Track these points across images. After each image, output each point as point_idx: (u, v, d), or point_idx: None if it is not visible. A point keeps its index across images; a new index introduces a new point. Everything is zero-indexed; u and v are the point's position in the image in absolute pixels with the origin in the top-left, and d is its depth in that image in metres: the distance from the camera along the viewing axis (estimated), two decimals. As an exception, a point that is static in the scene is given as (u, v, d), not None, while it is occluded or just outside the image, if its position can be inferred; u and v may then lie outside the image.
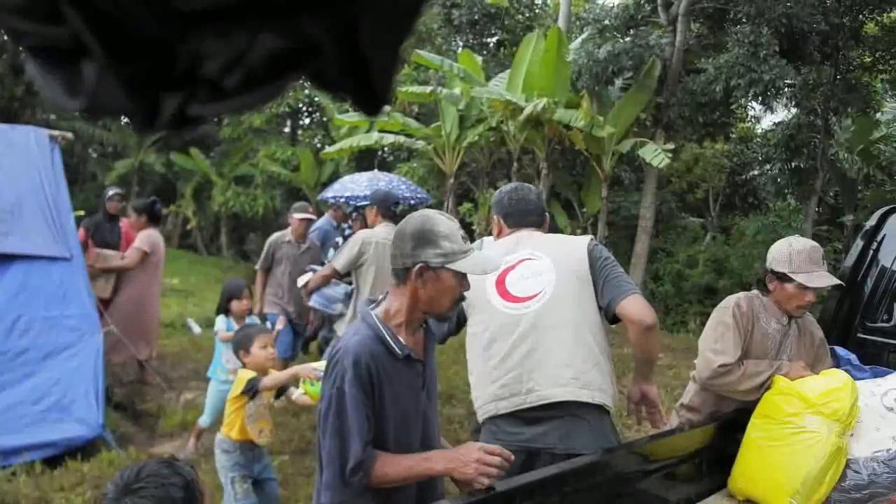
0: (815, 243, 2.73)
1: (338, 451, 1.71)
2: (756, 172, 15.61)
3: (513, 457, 1.79)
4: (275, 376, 3.18)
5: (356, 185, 8.29)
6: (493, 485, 1.71)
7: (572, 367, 2.27)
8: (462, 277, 1.82)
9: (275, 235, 5.95)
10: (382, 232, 4.57)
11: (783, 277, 2.64)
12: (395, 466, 1.73)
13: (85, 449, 4.39)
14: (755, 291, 2.83)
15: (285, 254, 5.75)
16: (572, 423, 2.25)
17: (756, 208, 15.79)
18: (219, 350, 4.45)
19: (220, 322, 4.43)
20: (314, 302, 4.81)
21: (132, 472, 1.50)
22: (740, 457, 2.45)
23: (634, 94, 10.98)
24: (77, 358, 4.70)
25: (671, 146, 10.56)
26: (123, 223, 6.72)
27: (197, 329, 8.93)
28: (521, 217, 2.61)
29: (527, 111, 9.76)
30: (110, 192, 6.87)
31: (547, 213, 2.73)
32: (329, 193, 8.34)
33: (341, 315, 4.86)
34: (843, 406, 2.23)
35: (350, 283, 4.75)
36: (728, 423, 2.56)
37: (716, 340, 2.63)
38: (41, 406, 4.38)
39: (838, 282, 2.74)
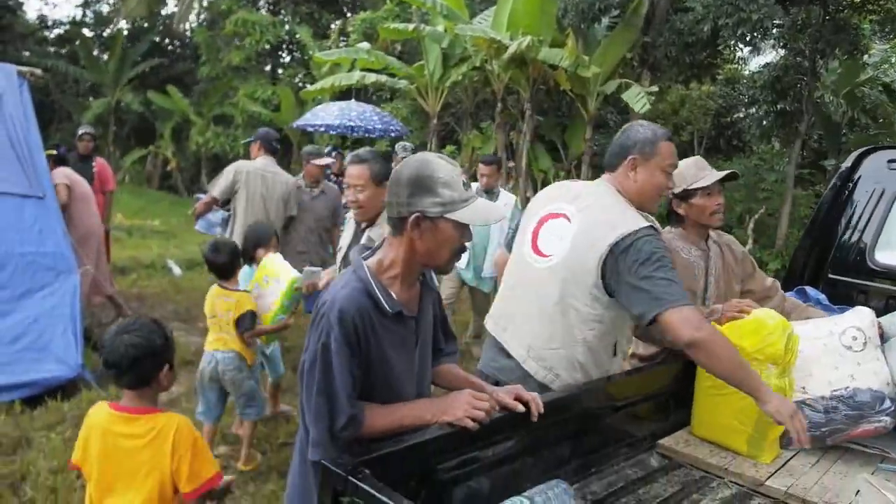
0: (696, 157, 2.87)
1: (326, 409, 1.64)
2: (741, 115, 15.53)
3: (497, 407, 1.77)
4: (266, 328, 3.70)
5: (327, 113, 8.19)
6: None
7: (536, 338, 2.32)
8: (463, 228, 1.69)
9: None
10: (259, 163, 5.10)
11: (686, 195, 2.72)
12: (385, 418, 1.69)
13: (65, 388, 4.42)
14: (667, 227, 2.84)
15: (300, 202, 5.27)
16: (526, 381, 2.27)
17: (741, 151, 15.77)
18: None
19: (246, 275, 3.89)
20: (199, 227, 5.39)
21: (130, 321, 2.10)
22: (695, 405, 2.49)
23: (621, 33, 10.80)
24: (54, 297, 4.68)
25: (655, 88, 10.44)
26: (97, 162, 6.61)
27: (178, 270, 8.91)
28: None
29: (511, 50, 9.58)
30: (80, 132, 6.75)
31: (630, 157, 2.34)
32: (301, 122, 8.30)
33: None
34: (778, 348, 2.24)
35: (228, 210, 5.11)
36: (691, 363, 2.59)
37: None
38: (18, 346, 4.38)
39: (730, 171, 2.79)
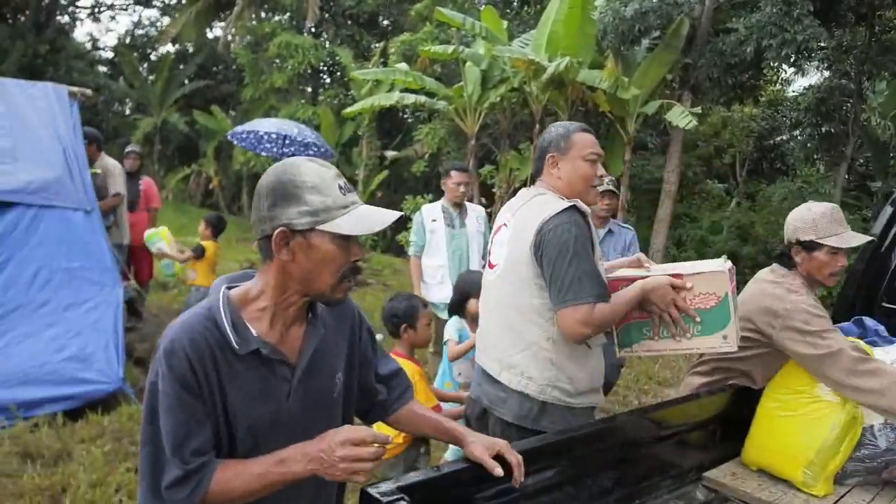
0: (833, 204, 2.55)
1: (150, 464, 1.36)
2: (785, 137, 15.27)
3: (390, 438, 1.38)
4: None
5: (261, 125, 8.57)
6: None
7: (498, 349, 2.30)
8: (346, 242, 1.36)
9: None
10: (110, 161, 6.28)
11: (811, 246, 2.45)
12: (241, 476, 1.33)
13: (105, 402, 4.46)
14: (774, 265, 2.61)
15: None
16: (507, 394, 2.25)
17: (784, 174, 15.49)
18: (445, 360, 3.65)
19: (453, 326, 3.59)
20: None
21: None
22: (754, 427, 2.41)
23: (661, 55, 10.71)
24: (97, 311, 4.74)
25: (698, 109, 10.32)
26: (143, 181, 6.76)
27: (217, 288, 9.00)
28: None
29: (549, 71, 9.56)
30: (127, 150, 6.93)
31: (548, 156, 2.34)
32: (238, 128, 8.65)
33: None
34: None
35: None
36: (742, 391, 2.51)
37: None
38: (61, 357, 4.43)
39: (869, 237, 2.57)
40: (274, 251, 1.34)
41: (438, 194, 5.30)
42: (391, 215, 1.40)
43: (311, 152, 8.04)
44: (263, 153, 8.60)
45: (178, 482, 1.31)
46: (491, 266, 2.39)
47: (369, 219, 1.37)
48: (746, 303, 2.47)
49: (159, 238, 5.83)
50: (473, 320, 3.53)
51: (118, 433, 4.16)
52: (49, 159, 5.06)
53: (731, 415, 2.47)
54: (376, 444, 1.31)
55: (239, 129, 8.60)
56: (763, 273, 2.61)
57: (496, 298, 2.33)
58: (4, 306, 4.45)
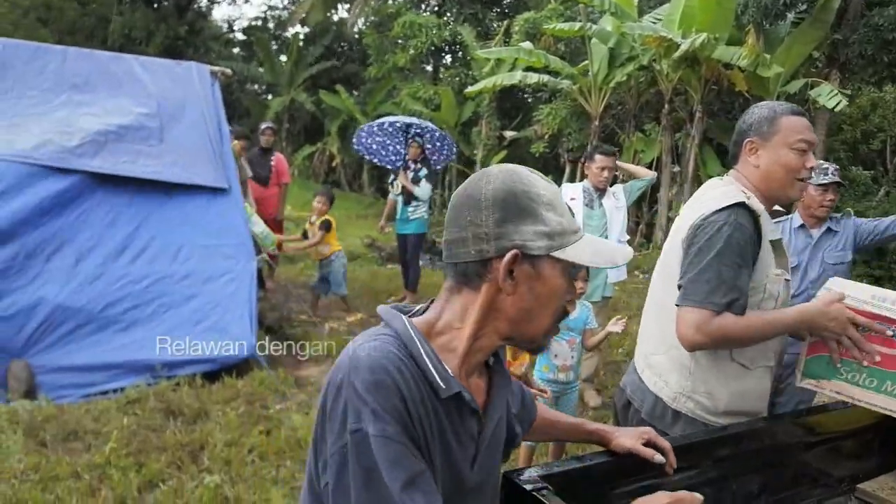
0: None
1: None
2: (945, 121, 13.83)
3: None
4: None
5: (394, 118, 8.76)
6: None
7: (645, 345, 2.17)
8: (571, 275, 1.10)
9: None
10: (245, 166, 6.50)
11: None
12: None
13: (239, 367, 4.72)
14: None
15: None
16: (646, 391, 2.12)
17: (941, 161, 14.08)
18: None
19: None
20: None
21: None
22: (923, 437, 2.19)
23: (807, 30, 9.96)
24: (234, 283, 5.02)
25: (847, 90, 9.53)
26: (275, 156, 7.03)
27: (341, 262, 9.30)
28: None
29: (683, 48, 9.13)
30: (263, 126, 7.23)
31: (746, 141, 2.02)
32: (367, 124, 8.92)
33: None
34: None
35: None
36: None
37: None
38: (201, 326, 4.73)
39: None
40: (493, 277, 1.03)
41: (558, 176, 5.33)
42: (628, 251, 1.16)
43: (437, 141, 8.19)
44: (388, 165, 8.87)
45: None
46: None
47: (607, 249, 1.13)
48: None
49: (272, 240, 6.11)
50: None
51: (250, 396, 4.38)
52: (192, 139, 5.36)
53: (892, 422, 2.25)
54: None
55: (367, 123, 8.91)
56: None
57: (651, 292, 2.21)
58: (150, 277, 4.82)
